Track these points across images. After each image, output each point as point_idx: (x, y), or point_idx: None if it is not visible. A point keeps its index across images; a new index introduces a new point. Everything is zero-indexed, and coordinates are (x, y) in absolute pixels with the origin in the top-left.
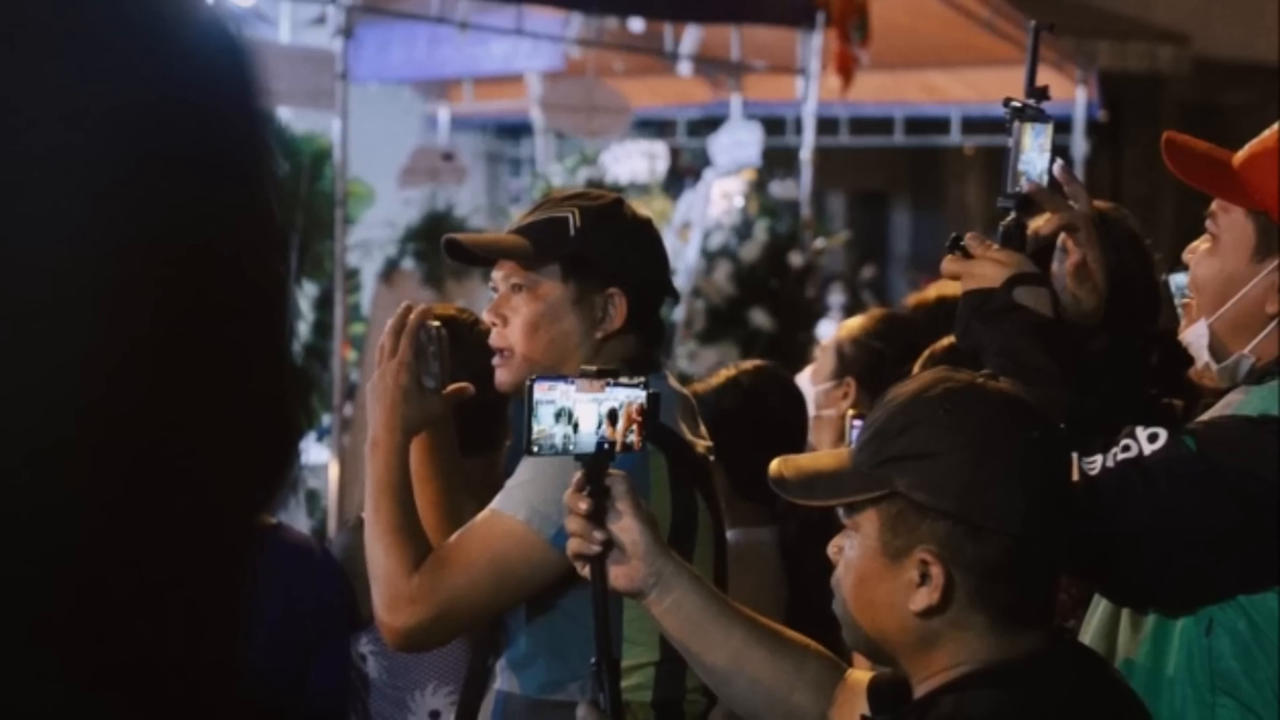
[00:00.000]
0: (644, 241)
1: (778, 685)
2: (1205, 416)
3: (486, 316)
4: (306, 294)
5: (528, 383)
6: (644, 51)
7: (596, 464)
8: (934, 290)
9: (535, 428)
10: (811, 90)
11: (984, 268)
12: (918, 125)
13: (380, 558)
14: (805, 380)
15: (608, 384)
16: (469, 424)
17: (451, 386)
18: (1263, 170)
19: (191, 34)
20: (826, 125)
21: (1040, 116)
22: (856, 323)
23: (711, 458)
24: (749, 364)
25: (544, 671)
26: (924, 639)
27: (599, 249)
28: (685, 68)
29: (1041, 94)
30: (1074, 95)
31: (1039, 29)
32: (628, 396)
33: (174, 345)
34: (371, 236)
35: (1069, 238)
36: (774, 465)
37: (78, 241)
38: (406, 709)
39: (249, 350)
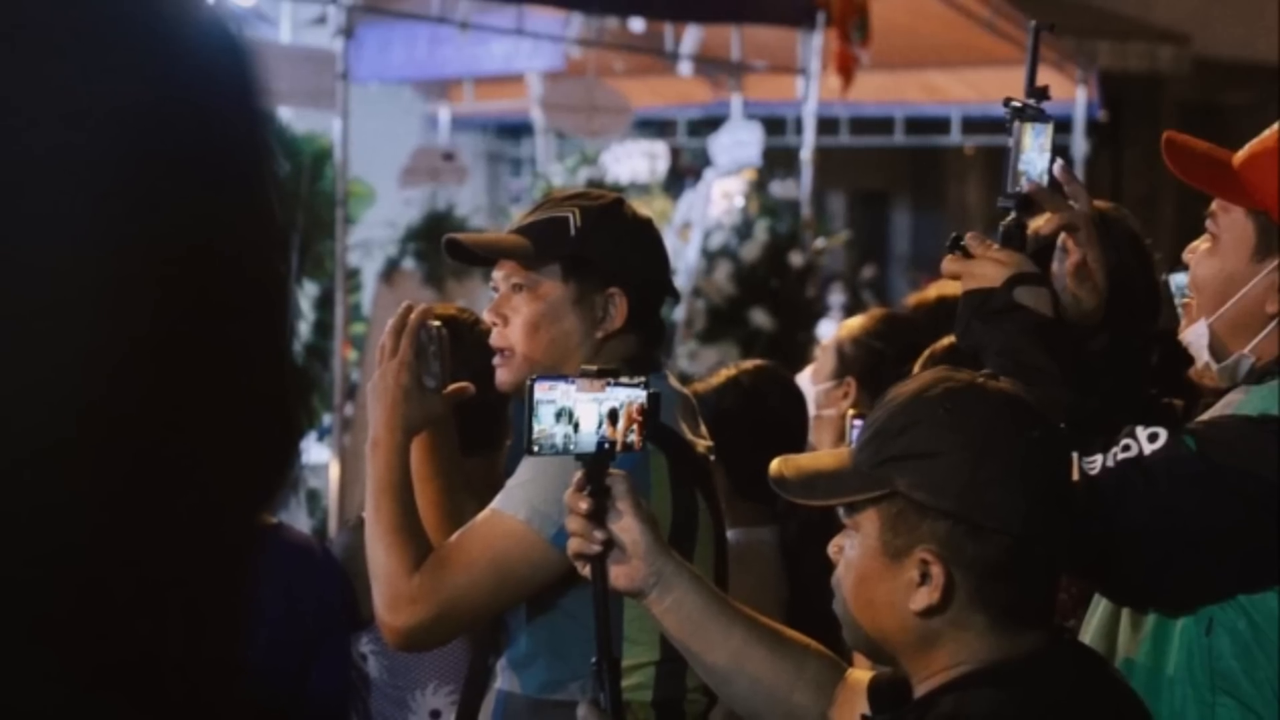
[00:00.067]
0: (644, 241)
1: (778, 685)
2: (1205, 416)
3: (487, 316)
4: (307, 294)
5: (528, 382)
6: (644, 51)
7: (597, 463)
8: (934, 290)
9: (536, 427)
10: (812, 90)
11: (984, 267)
12: (918, 125)
13: (381, 557)
14: (805, 380)
15: (608, 384)
16: (469, 424)
17: (452, 386)
18: (1263, 170)
19: (192, 34)
20: (827, 125)
21: (1040, 116)
22: (857, 322)
23: (712, 457)
24: (749, 364)
25: (544, 671)
26: (924, 638)
27: (599, 249)
28: (686, 68)
29: (1042, 94)
30: (1074, 95)
31: (1039, 29)
32: (628, 396)
33: (175, 345)
34: (372, 236)
35: (1069, 237)
36: (774, 465)
37: (79, 241)
38: (407, 708)
39: (250, 350)
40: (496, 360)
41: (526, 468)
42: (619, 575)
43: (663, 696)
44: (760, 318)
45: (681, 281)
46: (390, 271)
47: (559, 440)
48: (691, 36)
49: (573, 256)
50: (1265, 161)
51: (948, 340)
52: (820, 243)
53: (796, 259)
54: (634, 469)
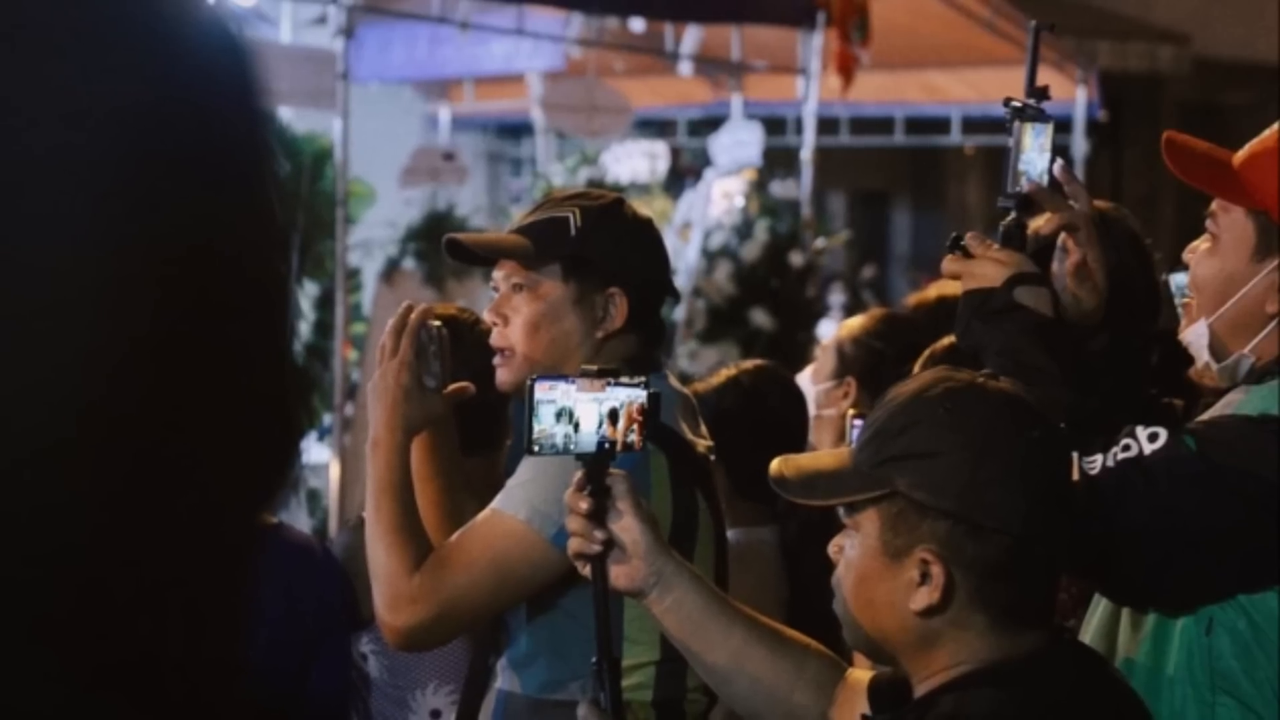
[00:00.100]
0: (645, 241)
1: (778, 684)
2: (1205, 416)
3: (487, 316)
4: (308, 293)
5: (528, 382)
6: (645, 51)
7: (597, 463)
8: (934, 290)
9: (536, 427)
10: (812, 90)
11: (984, 267)
12: (918, 125)
13: (381, 557)
14: (806, 380)
15: (608, 383)
16: (470, 423)
17: (452, 386)
18: (1263, 170)
19: (193, 34)
20: (827, 125)
21: (1040, 116)
22: (857, 322)
23: (712, 457)
24: (749, 363)
25: (545, 671)
26: (924, 638)
27: (600, 249)
28: (686, 68)
29: (1042, 94)
30: (1074, 95)
31: (1039, 29)
32: (628, 396)
33: (175, 345)
34: (372, 236)
35: (1069, 237)
36: (774, 465)
37: (79, 241)
38: (407, 708)
39: (250, 350)
40: (497, 360)
41: (527, 467)
42: (619, 575)
43: (663, 696)
44: (760, 318)
45: (682, 281)
46: (390, 271)
47: (559, 440)
48: (691, 36)
49: (573, 256)
50: (1265, 161)
51: (948, 340)
52: (820, 243)
53: (796, 259)
54: (634, 469)
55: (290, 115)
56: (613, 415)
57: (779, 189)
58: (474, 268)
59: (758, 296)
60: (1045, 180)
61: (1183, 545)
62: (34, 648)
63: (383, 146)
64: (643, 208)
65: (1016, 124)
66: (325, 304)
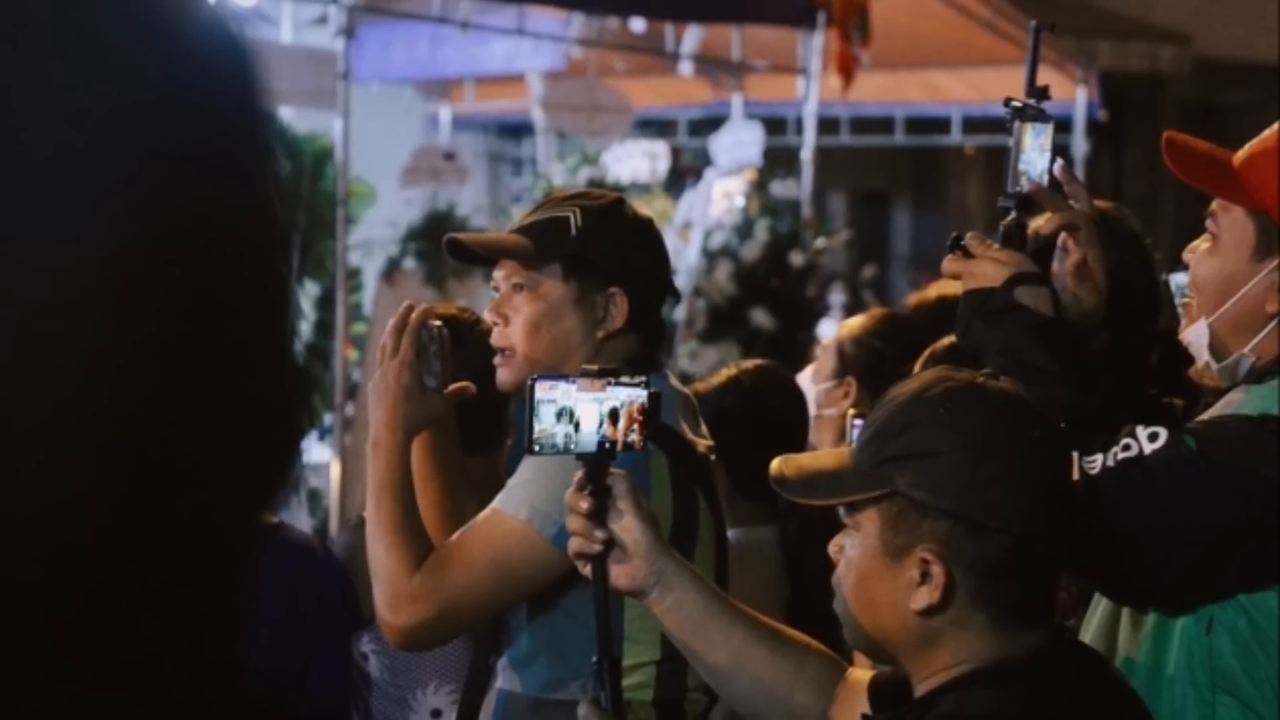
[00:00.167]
0: (645, 241)
1: (779, 684)
2: (1205, 416)
3: (488, 316)
4: (308, 293)
5: (529, 382)
6: (645, 51)
7: (598, 463)
8: (935, 290)
9: (536, 427)
10: (812, 90)
11: (984, 267)
12: (918, 125)
13: (382, 556)
14: (806, 379)
15: (609, 383)
16: (470, 423)
17: (453, 386)
18: (1263, 170)
19: (194, 34)
20: (827, 125)
21: (1041, 116)
22: (857, 322)
23: (713, 457)
24: (750, 363)
25: (545, 670)
26: (925, 638)
27: (600, 248)
28: (686, 67)
29: (1042, 94)
30: (1074, 95)
31: (1039, 29)
32: (629, 396)
33: (177, 345)
34: (373, 236)
35: (1069, 237)
36: (775, 464)
37: (81, 241)
38: (408, 708)
39: (251, 350)
40: (497, 360)
41: (527, 467)
42: (620, 575)
43: (663, 696)
44: (761, 317)
45: (682, 281)
46: (391, 271)
47: (560, 440)
48: (692, 36)
49: (573, 256)
50: (1265, 161)
51: (948, 340)
52: (821, 242)
53: (797, 259)
54: (635, 468)
55: (291, 115)
56: (613, 415)
57: (779, 189)
58: (474, 267)
59: (758, 296)
60: (1045, 180)
61: (1183, 544)
62: (39, 647)
63: (383, 146)
64: (643, 208)
65: (1017, 124)
66: (326, 304)
